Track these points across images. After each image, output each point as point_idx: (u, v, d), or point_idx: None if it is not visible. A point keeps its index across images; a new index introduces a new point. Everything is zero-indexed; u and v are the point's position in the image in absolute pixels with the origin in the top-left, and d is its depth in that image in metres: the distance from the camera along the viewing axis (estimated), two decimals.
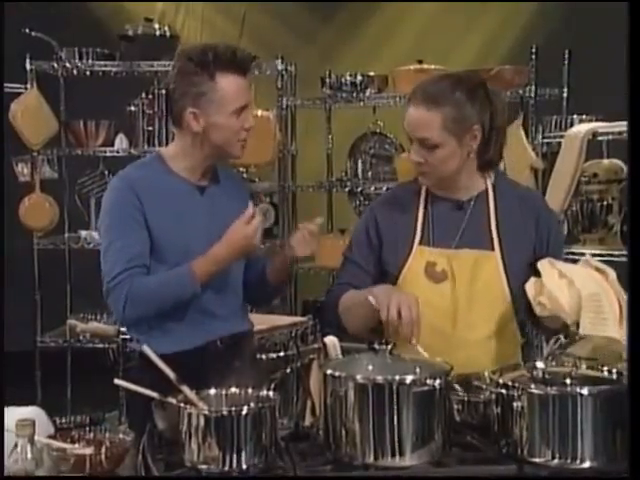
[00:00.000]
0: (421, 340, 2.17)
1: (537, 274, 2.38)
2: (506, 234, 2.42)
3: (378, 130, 5.05)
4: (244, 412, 1.83)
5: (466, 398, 2.02)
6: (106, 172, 4.88)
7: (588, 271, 2.24)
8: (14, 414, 1.89)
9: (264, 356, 2.28)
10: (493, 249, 2.40)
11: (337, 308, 2.46)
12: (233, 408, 1.85)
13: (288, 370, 2.14)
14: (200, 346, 2.45)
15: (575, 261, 2.35)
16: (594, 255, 2.45)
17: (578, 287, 2.17)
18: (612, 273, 2.23)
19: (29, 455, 1.71)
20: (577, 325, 2.18)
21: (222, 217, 2.49)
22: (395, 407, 1.83)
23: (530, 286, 2.27)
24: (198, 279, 2.38)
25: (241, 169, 4.81)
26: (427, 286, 2.40)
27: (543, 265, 2.28)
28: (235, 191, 2.60)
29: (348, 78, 4.75)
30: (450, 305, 2.38)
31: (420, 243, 2.43)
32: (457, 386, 2.02)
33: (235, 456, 1.82)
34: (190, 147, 2.46)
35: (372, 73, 4.78)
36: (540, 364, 1.99)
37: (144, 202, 2.40)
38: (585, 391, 1.84)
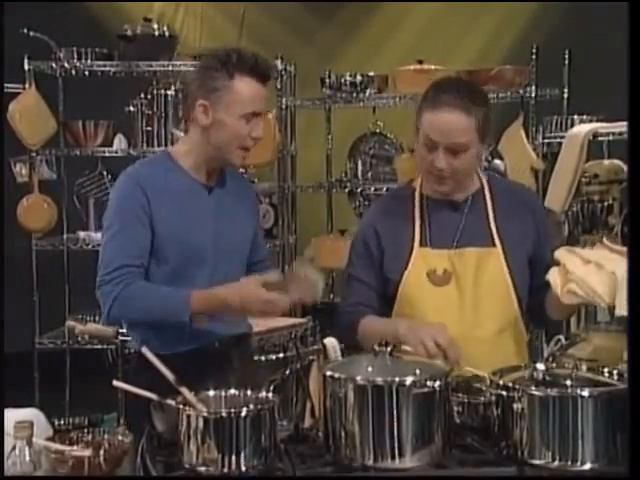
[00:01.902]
0: None
1: (532, 268, 2.38)
2: (505, 229, 2.43)
3: (378, 130, 5.05)
4: (243, 414, 1.82)
5: (466, 400, 2.02)
6: (105, 172, 4.88)
7: (610, 254, 2.20)
8: (12, 416, 1.88)
9: (263, 357, 2.29)
10: (494, 245, 2.41)
11: (354, 333, 2.44)
12: (232, 410, 1.84)
13: (287, 372, 2.13)
14: (197, 347, 2.44)
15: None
16: None
17: (610, 269, 2.12)
18: None
19: (27, 457, 1.71)
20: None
21: (228, 219, 2.50)
22: (395, 409, 1.82)
23: (554, 276, 2.23)
24: (191, 310, 2.35)
25: (241, 169, 4.80)
26: (431, 290, 2.40)
27: (561, 253, 2.25)
28: (242, 193, 2.60)
29: (348, 78, 4.75)
30: (456, 305, 2.39)
31: (420, 246, 2.43)
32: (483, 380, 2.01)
33: (234, 458, 1.81)
34: (197, 144, 2.47)
35: (372, 73, 4.77)
36: (540, 365, 1.98)
37: (151, 199, 2.40)
38: (585, 393, 1.83)
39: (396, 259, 2.45)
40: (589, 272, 2.15)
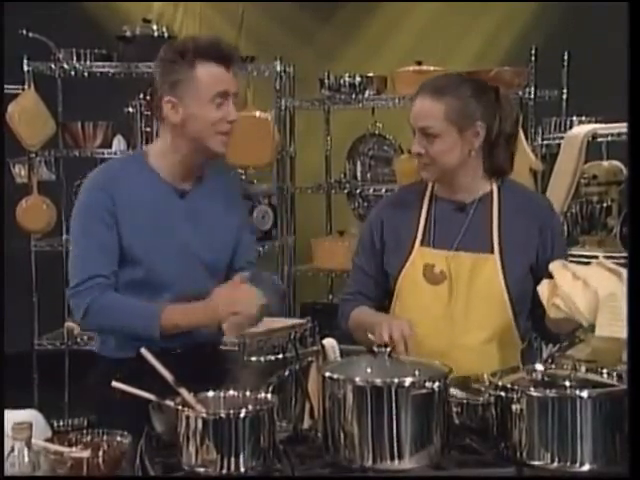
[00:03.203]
0: (419, 343, 2.19)
1: (536, 278, 2.37)
2: (507, 237, 2.41)
3: (377, 131, 5.05)
4: (242, 415, 1.82)
5: (465, 400, 2.02)
6: None
7: (603, 272, 2.20)
8: (11, 417, 1.88)
9: (262, 358, 2.28)
10: (492, 252, 2.40)
11: (347, 322, 2.52)
12: (231, 411, 1.84)
13: (286, 373, 2.13)
14: (160, 349, 2.32)
15: (579, 263, 2.34)
16: (593, 257, 2.43)
17: (594, 288, 2.13)
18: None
19: (26, 459, 1.70)
20: (592, 327, 2.14)
21: (203, 224, 2.44)
22: (394, 410, 1.82)
23: (543, 288, 2.23)
24: (162, 327, 2.29)
25: (240, 171, 4.80)
26: (425, 288, 2.40)
27: (555, 267, 2.24)
28: (225, 195, 2.51)
29: (347, 79, 4.74)
30: (447, 307, 2.38)
31: (421, 244, 2.44)
32: (453, 390, 2.02)
33: (233, 459, 1.81)
34: (171, 144, 2.40)
35: (371, 74, 4.77)
36: (539, 366, 1.98)
37: (117, 202, 2.34)
38: (584, 394, 1.83)
39: (396, 254, 2.46)
40: (575, 288, 2.16)
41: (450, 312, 2.38)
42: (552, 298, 2.19)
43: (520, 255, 2.41)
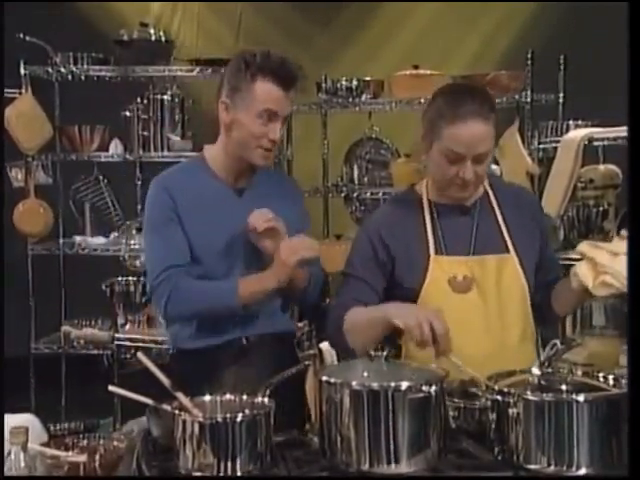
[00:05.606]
0: (457, 352, 2.11)
1: (539, 267, 2.37)
2: (516, 235, 2.44)
3: (374, 135, 5.04)
4: (239, 419, 1.83)
5: (462, 405, 2.02)
6: (101, 177, 4.87)
7: None
8: (7, 421, 1.88)
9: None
10: (509, 251, 2.41)
11: (343, 326, 2.39)
12: (228, 415, 1.84)
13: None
14: (227, 342, 2.50)
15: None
16: None
17: None
18: None
19: (22, 463, 1.70)
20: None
21: None
22: (391, 414, 1.82)
23: (583, 270, 2.22)
24: (240, 298, 2.44)
25: None
26: (453, 298, 2.37)
27: (587, 248, 2.24)
28: (283, 196, 2.61)
29: (344, 83, 4.74)
30: (481, 312, 2.37)
31: (436, 254, 2.40)
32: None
33: (230, 463, 1.81)
34: (224, 144, 2.53)
35: (368, 78, 4.77)
36: (536, 370, 1.98)
37: (178, 202, 2.47)
38: (581, 398, 1.83)
39: (412, 268, 2.40)
40: (622, 263, 2.14)
41: (485, 316, 2.37)
42: (598, 277, 2.18)
43: (530, 250, 2.46)
